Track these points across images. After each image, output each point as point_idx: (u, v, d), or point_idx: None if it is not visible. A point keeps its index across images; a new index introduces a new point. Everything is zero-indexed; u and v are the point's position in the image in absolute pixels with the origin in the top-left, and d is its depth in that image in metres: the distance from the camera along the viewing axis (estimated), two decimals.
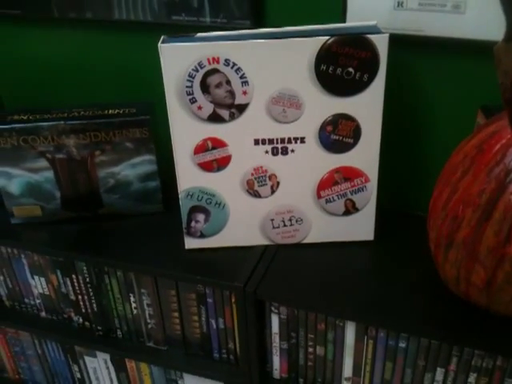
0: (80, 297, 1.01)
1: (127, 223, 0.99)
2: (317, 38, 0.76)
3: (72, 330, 1.07)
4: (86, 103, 0.99)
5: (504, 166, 0.66)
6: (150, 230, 0.97)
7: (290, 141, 0.83)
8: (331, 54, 0.76)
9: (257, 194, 0.87)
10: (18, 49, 1.12)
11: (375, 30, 0.77)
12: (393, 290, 0.82)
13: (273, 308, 0.85)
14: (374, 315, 0.78)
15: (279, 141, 0.83)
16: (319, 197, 0.87)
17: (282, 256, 0.90)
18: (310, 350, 0.87)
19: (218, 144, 0.83)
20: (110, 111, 0.94)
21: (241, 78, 0.78)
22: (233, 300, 0.89)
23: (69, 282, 1.00)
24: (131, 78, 1.07)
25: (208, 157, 0.84)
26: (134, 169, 0.96)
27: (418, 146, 0.95)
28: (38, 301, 1.07)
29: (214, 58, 0.77)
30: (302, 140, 0.83)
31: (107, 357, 1.10)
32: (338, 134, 0.82)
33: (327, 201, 0.88)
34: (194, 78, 0.78)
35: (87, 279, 0.97)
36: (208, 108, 0.80)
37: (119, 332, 1.02)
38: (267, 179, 0.86)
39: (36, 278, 1.03)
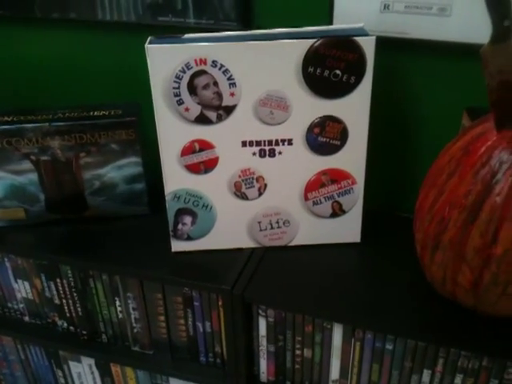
0: (64, 301, 0.99)
1: (113, 226, 0.98)
2: (304, 40, 0.76)
3: (56, 334, 1.05)
4: (72, 104, 0.98)
5: (490, 167, 0.67)
6: (135, 232, 0.96)
7: (277, 143, 0.83)
8: (318, 56, 0.76)
9: (244, 196, 0.87)
10: (3, 49, 1.11)
11: (362, 33, 0.78)
12: (380, 291, 0.82)
13: (260, 311, 0.85)
14: (362, 317, 0.78)
15: (266, 143, 0.83)
16: (306, 199, 0.87)
17: (270, 258, 0.89)
18: (298, 352, 0.87)
19: (205, 146, 0.82)
20: (96, 113, 0.93)
21: (228, 79, 0.78)
22: (220, 303, 0.88)
23: (53, 286, 0.98)
24: (118, 79, 1.06)
25: (195, 159, 0.83)
26: (119, 171, 0.95)
27: (405, 148, 0.95)
28: (21, 305, 1.06)
29: (201, 60, 0.76)
30: (290, 142, 0.83)
31: (92, 361, 1.08)
32: (326, 136, 0.82)
33: (314, 203, 0.88)
34: (181, 79, 0.77)
35: (72, 283, 0.96)
36: (195, 109, 0.80)
37: (104, 336, 1.01)
38: (254, 181, 0.86)
39: (20, 281, 1.01)
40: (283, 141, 0.83)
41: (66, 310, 1.01)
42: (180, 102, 0.79)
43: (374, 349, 0.81)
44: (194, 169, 0.84)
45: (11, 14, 1.04)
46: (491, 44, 0.64)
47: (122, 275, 0.91)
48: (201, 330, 0.93)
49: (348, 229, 0.90)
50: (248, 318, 0.87)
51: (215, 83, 0.78)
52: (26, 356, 1.15)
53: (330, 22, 0.88)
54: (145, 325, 0.96)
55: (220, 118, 0.81)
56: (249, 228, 0.90)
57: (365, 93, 0.79)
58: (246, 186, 0.86)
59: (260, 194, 0.87)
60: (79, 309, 0.99)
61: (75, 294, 0.97)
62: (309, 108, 0.80)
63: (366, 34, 0.77)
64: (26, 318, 1.07)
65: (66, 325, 1.03)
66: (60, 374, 1.14)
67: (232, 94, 0.79)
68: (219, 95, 0.79)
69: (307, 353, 0.86)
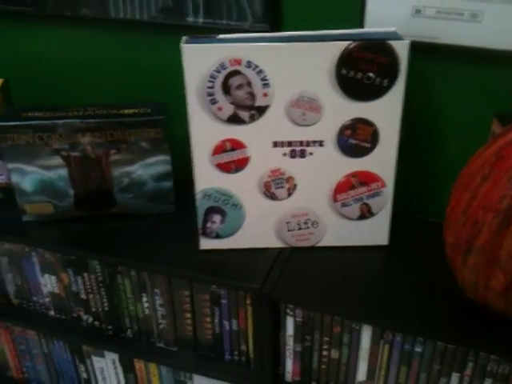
0: (91, 296, 1.00)
1: (139, 223, 0.99)
2: (339, 42, 0.76)
3: (81, 329, 1.06)
4: (97, 102, 0.99)
5: None
6: (162, 230, 0.97)
7: (308, 144, 0.83)
8: (352, 58, 0.77)
9: (273, 197, 0.87)
10: (30, 47, 1.12)
11: (395, 37, 0.78)
12: (408, 294, 0.83)
13: (288, 310, 0.85)
14: (392, 319, 0.79)
15: (298, 143, 0.83)
16: (335, 200, 0.88)
17: (297, 259, 0.90)
18: (325, 353, 0.87)
19: (236, 145, 0.83)
20: (126, 111, 0.94)
21: (262, 80, 0.78)
22: (247, 301, 0.89)
23: (80, 281, 0.99)
24: (144, 78, 1.07)
25: (226, 158, 0.84)
26: (148, 169, 0.95)
27: (432, 152, 0.95)
28: (46, 299, 1.07)
29: (236, 60, 0.77)
30: (321, 143, 0.83)
31: (116, 357, 1.09)
32: (356, 139, 0.83)
33: (343, 205, 0.88)
34: (215, 79, 0.78)
35: (100, 278, 0.97)
36: (228, 109, 0.80)
37: (129, 332, 1.02)
38: (284, 182, 0.86)
39: (46, 276, 1.03)
40: (314, 142, 0.83)
41: (92, 305, 1.02)
42: (213, 102, 0.79)
43: (403, 351, 0.81)
44: (224, 168, 0.85)
45: (40, 11, 1.05)
46: None
47: (150, 272, 0.92)
48: (227, 328, 0.93)
49: (376, 231, 0.90)
50: (275, 318, 0.87)
51: (249, 83, 0.78)
52: (49, 350, 1.17)
53: (361, 26, 0.88)
54: (171, 321, 0.97)
55: (252, 118, 0.81)
56: (277, 228, 0.90)
57: (397, 96, 0.79)
58: (276, 186, 0.86)
59: (289, 195, 0.87)
60: (105, 304, 1.00)
61: (102, 289, 0.98)
62: (341, 110, 0.80)
63: (400, 38, 0.77)
64: (51, 313, 1.08)
65: (91, 320, 1.04)
66: (82, 368, 1.16)
67: (265, 95, 0.79)
68: (252, 95, 0.79)
69: (334, 353, 0.87)
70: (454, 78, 0.88)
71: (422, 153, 0.96)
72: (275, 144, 0.83)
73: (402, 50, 0.76)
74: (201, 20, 0.96)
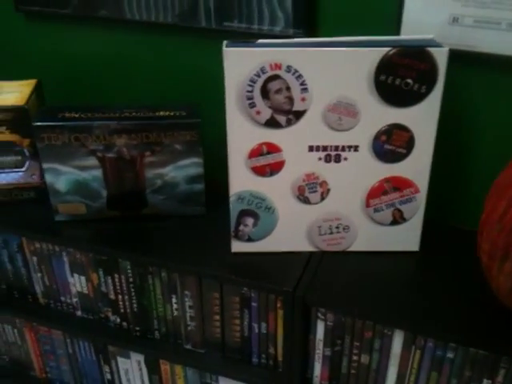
0: (120, 296, 1.01)
1: (170, 224, 0.99)
2: (379, 48, 0.77)
3: (108, 329, 1.07)
4: (130, 104, 1.00)
5: None
6: (193, 231, 0.98)
7: (343, 149, 0.84)
8: (392, 64, 0.78)
9: (306, 200, 0.88)
10: (65, 48, 1.14)
11: (434, 44, 0.79)
12: (441, 300, 0.83)
13: (319, 314, 0.86)
14: (425, 325, 0.79)
15: (333, 148, 0.84)
16: (368, 205, 0.88)
17: (328, 263, 0.90)
18: (355, 357, 0.87)
19: (272, 149, 0.84)
20: (161, 113, 0.95)
21: (301, 84, 0.79)
22: (278, 305, 0.89)
23: (110, 281, 1.00)
24: (177, 80, 1.08)
25: (262, 161, 0.85)
26: (181, 171, 0.97)
27: (466, 159, 0.96)
28: (74, 299, 1.08)
29: (276, 64, 0.78)
30: (356, 148, 0.84)
31: (141, 358, 1.10)
32: (392, 144, 0.83)
33: (375, 210, 0.88)
34: (255, 82, 0.79)
35: (130, 279, 0.97)
36: (266, 113, 0.81)
37: (157, 333, 1.03)
38: (318, 186, 0.87)
39: (76, 276, 1.04)
40: (349, 147, 0.84)
41: (121, 306, 1.02)
42: (252, 105, 0.81)
43: (434, 357, 0.81)
44: (259, 171, 0.86)
45: (77, 13, 1.07)
46: None
47: (181, 273, 0.93)
48: (256, 330, 0.94)
49: (407, 237, 0.91)
50: (305, 321, 0.88)
51: (288, 88, 0.80)
52: (73, 350, 1.17)
53: (397, 33, 0.89)
54: (199, 323, 0.98)
55: (289, 123, 0.82)
56: (308, 232, 0.91)
57: (434, 102, 0.80)
58: (310, 190, 0.87)
59: (322, 199, 0.88)
60: (134, 305, 1.01)
61: (132, 290, 0.99)
62: (377, 115, 0.81)
63: (439, 46, 0.78)
64: (79, 313, 1.09)
65: (118, 320, 1.05)
66: (107, 369, 1.16)
67: (303, 99, 0.80)
68: (291, 100, 0.80)
69: (364, 358, 0.87)
70: (490, 86, 0.88)
71: (455, 159, 0.96)
72: (311, 148, 0.84)
73: (441, 57, 0.77)
74: (235, 25, 0.98)
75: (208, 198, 1.01)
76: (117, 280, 0.99)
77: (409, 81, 0.79)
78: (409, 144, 0.83)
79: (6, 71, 1.17)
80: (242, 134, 0.83)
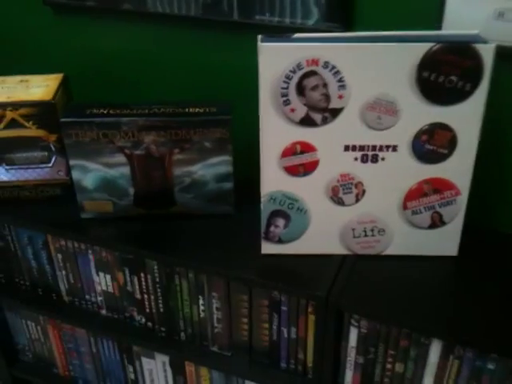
0: (146, 296, 0.99)
1: (198, 223, 0.97)
2: (421, 44, 0.73)
3: (133, 329, 1.05)
4: (160, 100, 0.98)
5: None
6: (221, 231, 0.95)
7: (381, 148, 0.80)
8: (435, 61, 0.74)
9: (340, 202, 0.85)
10: (94, 42, 1.12)
11: (480, 40, 0.75)
12: (481, 307, 0.79)
13: (353, 321, 0.83)
14: (465, 334, 0.75)
15: (370, 148, 0.80)
16: (405, 208, 0.85)
17: (362, 267, 0.87)
18: (389, 366, 0.84)
19: (306, 148, 0.81)
20: (191, 109, 0.92)
21: (338, 81, 0.76)
22: (309, 309, 0.86)
23: (136, 281, 0.98)
24: (207, 76, 1.06)
25: (295, 161, 0.82)
26: (210, 169, 0.94)
27: (509, 161, 0.91)
28: (99, 298, 1.06)
29: (313, 60, 0.74)
30: (394, 148, 0.80)
31: (166, 359, 1.08)
32: (433, 144, 0.79)
33: (413, 212, 0.85)
34: (290, 79, 0.76)
35: (157, 279, 0.95)
36: (301, 111, 0.78)
37: (183, 334, 1.00)
38: (353, 187, 0.84)
39: (101, 274, 1.02)
40: (388, 147, 0.80)
41: (147, 306, 1.00)
42: (287, 103, 0.77)
43: (474, 367, 0.78)
44: (292, 171, 0.83)
45: (104, 6, 1.05)
46: None
47: (209, 274, 0.90)
48: (285, 335, 0.91)
49: (446, 241, 0.87)
50: (338, 328, 0.84)
51: (324, 85, 0.76)
52: (97, 349, 1.16)
53: (439, 27, 0.85)
54: (226, 326, 0.95)
55: (325, 121, 0.79)
56: (342, 234, 0.87)
57: (479, 101, 0.76)
58: (344, 191, 0.84)
59: (357, 200, 0.85)
60: (160, 305, 0.99)
61: (159, 290, 0.97)
62: (419, 114, 0.77)
63: (485, 42, 0.74)
64: (103, 312, 1.07)
65: (143, 320, 1.03)
66: (131, 369, 1.14)
67: (340, 97, 0.77)
68: (327, 97, 0.77)
69: (399, 367, 0.83)
70: None
71: (497, 161, 0.92)
72: (346, 148, 0.81)
73: (487, 53, 0.73)
74: (266, 18, 0.95)
75: (236, 197, 0.98)
76: (143, 279, 0.97)
77: (453, 78, 0.75)
78: (451, 144, 0.79)
79: (33, 66, 1.15)
80: (275, 133, 0.80)
